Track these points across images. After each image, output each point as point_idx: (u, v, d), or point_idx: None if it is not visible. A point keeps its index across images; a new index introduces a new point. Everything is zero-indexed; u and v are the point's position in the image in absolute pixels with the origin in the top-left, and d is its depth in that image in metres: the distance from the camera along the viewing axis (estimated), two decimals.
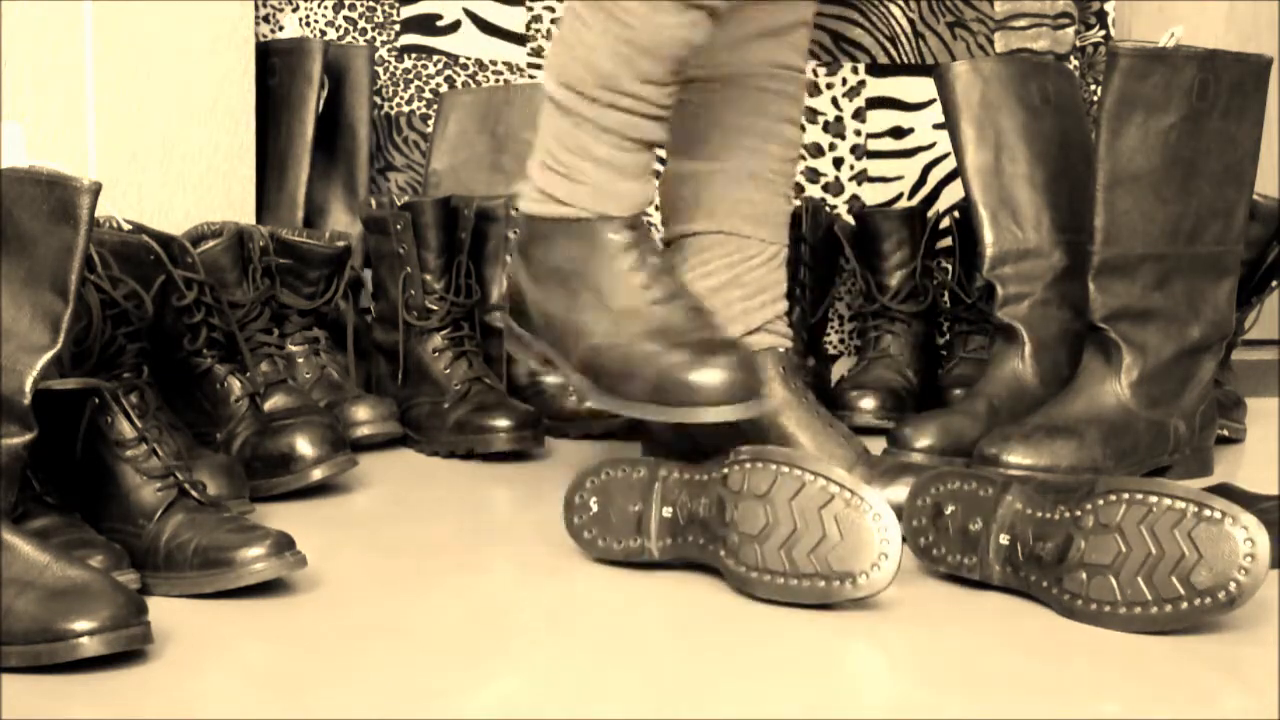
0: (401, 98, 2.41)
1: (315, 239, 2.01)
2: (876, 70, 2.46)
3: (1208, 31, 2.44)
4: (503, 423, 1.91)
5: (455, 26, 2.41)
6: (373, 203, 2.07)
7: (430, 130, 2.35)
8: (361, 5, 2.39)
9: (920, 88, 2.42)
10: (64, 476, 1.41)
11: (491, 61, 2.42)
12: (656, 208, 1.76)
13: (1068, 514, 1.34)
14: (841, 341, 2.47)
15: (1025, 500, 1.38)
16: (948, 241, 2.25)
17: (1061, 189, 1.90)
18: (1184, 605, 1.28)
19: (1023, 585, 1.37)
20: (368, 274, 2.17)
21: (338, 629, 1.32)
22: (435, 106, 2.36)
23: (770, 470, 1.38)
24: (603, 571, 1.47)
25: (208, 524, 1.39)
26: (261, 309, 1.89)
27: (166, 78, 1.99)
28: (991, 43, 2.46)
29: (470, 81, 2.41)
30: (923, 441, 1.76)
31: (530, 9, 2.42)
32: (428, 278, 2.02)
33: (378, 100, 2.38)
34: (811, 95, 2.45)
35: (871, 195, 2.47)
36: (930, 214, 2.26)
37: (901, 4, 2.45)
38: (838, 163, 2.47)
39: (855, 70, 2.46)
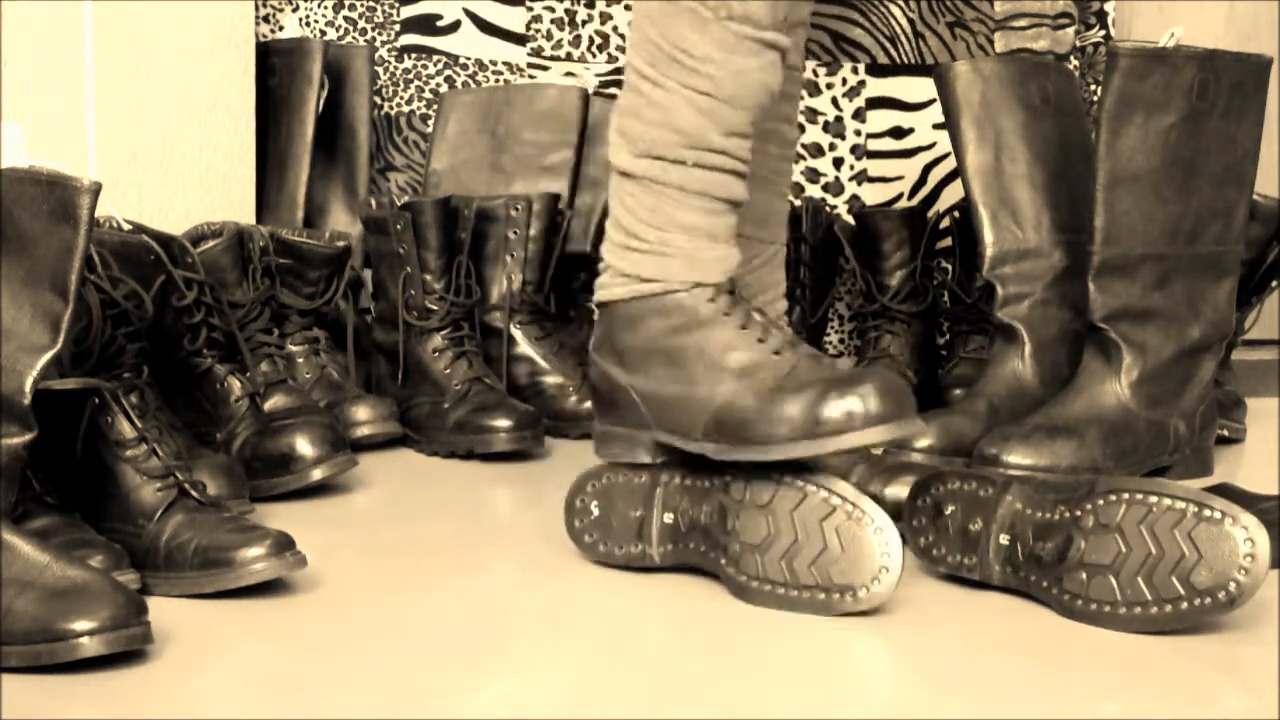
0: (401, 98, 2.41)
1: (315, 239, 2.01)
2: (876, 70, 2.46)
3: (1208, 31, 2.44)
4: (503, 423, 1.91)
5: (455, 26, 2.41)
6: (373, 203, 2.08)
7: (430, 130, 2.35)
8: (361, 5, 2.39)
9: (920, 88, 2.42)
10: (64, 476, 1.41)
11: (491, 61, 2.42)
12: None
13: (1068, 514, 1.34)
14: (841, 341, 2.47)
15: (1025, 500, 1.38)
16: (948, 241, 2.25)
17: (1061, 189, 1.90)
18: (1184, 605, 1.28)
19: (1023, 585, 1.37)
20: (368, 274, 2.17)
21: (338, 629, 1.32)
22: (435, 106, 2.36)
23: (772, 480, 1.37)
24: (603, 572, 1.47)
25: (208, 524, 1.39)
26: (261, 309, 1.89)
27: (166, 78, 1.99)
28: (991, 43, 2.46)
29: (470, 81, 2.41)
30: (923, 441, 1.76)
31: (530, 9, 2.42)
32: (428, 278, 2.02)
33: (378, 100, 2.38)
34: (811, 95, 2.45)
35: (871, 195, 2.47)
36: (930, 214, 2.26)
37: (901, 4, 2.45)
38: (838, 163, 2.47)
39: (855, 70, 2.46)
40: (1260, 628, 1.32)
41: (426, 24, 2.41)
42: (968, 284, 2.15)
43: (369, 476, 1.82)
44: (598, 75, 2.42)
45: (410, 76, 2.41)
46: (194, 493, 1.43)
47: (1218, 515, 1.27)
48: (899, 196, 2.47)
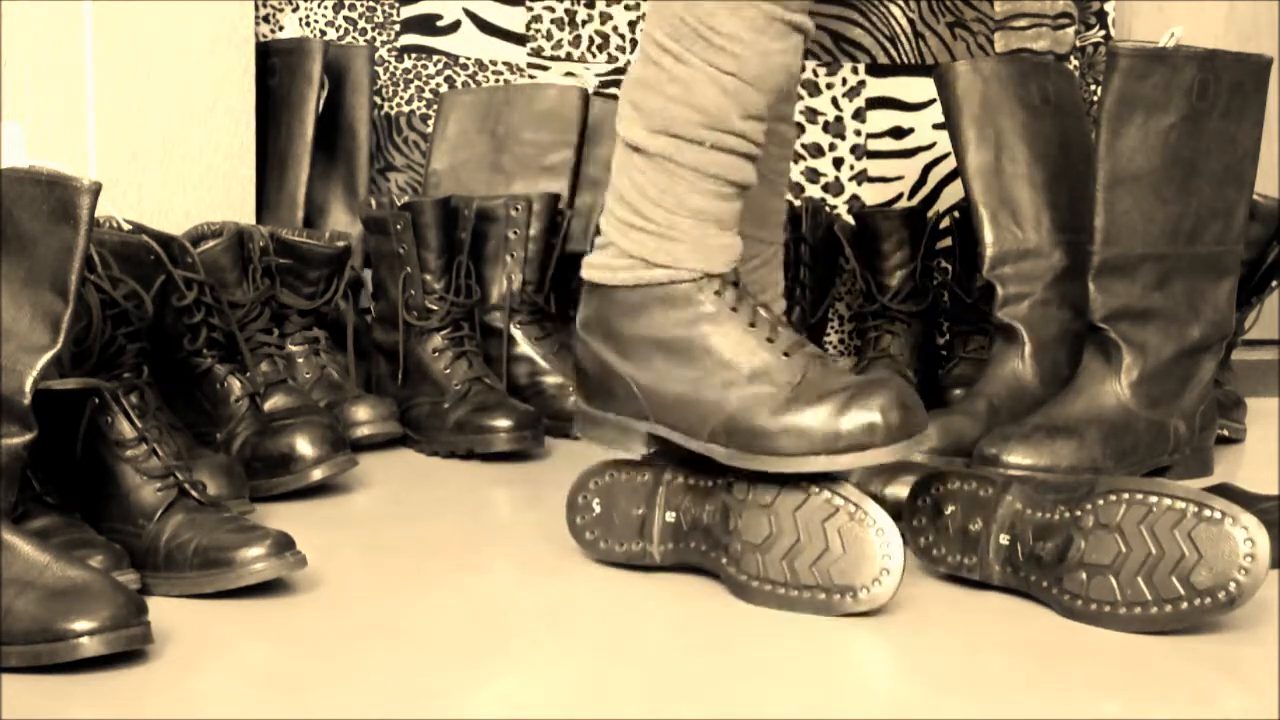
0: (401, 98, 2.41)
1: (315, 239, 2.01)
2: (876, 70, 2.46)
3: (1207, 31, 2.44)
4: (503, 423, 1.91)
5: (455, 26, 2.41)
6: (373, 203, 2.08)
7: (430, 130, 2.35)
8: (361, 5, 2.39)
9: (920, 88, 2.42)
10: (64, 476, 1.41)
11: (491, 61, 2.42)
12: None
13: (1068, 514, 1.34)
14: (841, 341, 2.47)
15: (1025, 500, 1.38)
16: (948, 241, 2.25)
17: (1061, 189, 1.90)
18: (1184, 605, 1.28)
19: (1023, 585, 1.37)
20: (368, 274, 2.17)
21: (338, 629, 1.32)
22: (435, 106, 2.36)
23: (776, 481, 1.37)
24: (603, 572, 1.47)
25: (208, 524, 1.39)
26: (261, 309, 1.89)
27: (166, 78, 1.99)
28: (991, 43, 2.46)
29: (470, 81, 2.41)
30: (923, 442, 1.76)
31: (530, 9, 2.42)
32: (428, 278, 2.02)
33: (378, 100, 2.38)
34: (811, 95, 2.45)
35: (871, 195, 2.47)
36: (930, 214, 2.26)
37: (901, 4, 2.45)
38: (838, 163, 2.47)
39: (855, 70, 2.46)
40: (1260, 628, 1.32)
41: (426, 24, 2.41)
42: (968, 284, 2.15)
43: (369, 476, 1.82)
44: (598, 75, 2.42)
45: (410, 76, 2.41)
46: (194, 493, 1.43)
47: (1218, 515, 1.27)
48: (899, 196, 2.47)
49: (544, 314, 2.13)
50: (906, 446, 1.34)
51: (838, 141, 2.46)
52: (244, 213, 2.12)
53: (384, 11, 2.40)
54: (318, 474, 1.71)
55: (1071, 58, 2.45)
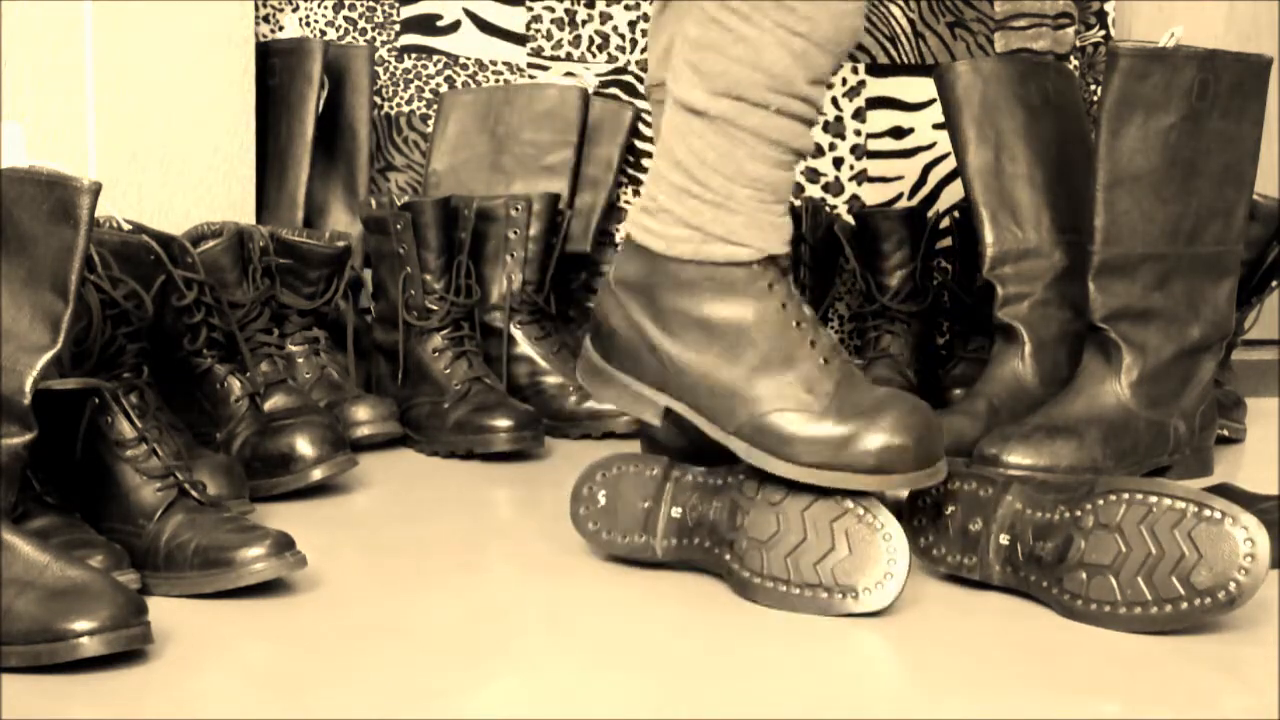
0: (401, 98, 2.41)
1: (315, 239, 2.01)
2: (876, 70, 2.46)
3: (1207, 31, 2.44)
4: (503, 423, 1.91)
5: (455, 26, 2.41)
6: (373, 203, 2.08)
7: (430, 130, 2.35)
8: (361, 5, 2.39)
9: (920, 88, 2.42)
10: (64, 476, 1.41)
11: (491, 61, 2.42)
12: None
13: (1068, 514, 1.34)
14: (842, 341, 2.47)
15: (1025, 500, 1.38)
16: (948, 241, 2.25)
17: (1061, 189, 1.90)
18: (1184, 605, 1.28)
19: (1023, 585, 1.37)
20: (368, 274, 2.17)
21: (338, 629, 1.32)
22: (435, 106, 2.36)
23: (787, 479, 1.37)
24: (603, 572, 1.47)
25: (208, 524, 1.39)
26: (261, 309, 1.89)
27: (166, 78, 1.99)
28: (991, 43, 2.46)
29: (470, 81, 2.41)
30: None
31: (530, 9, 2.42)
32: (428, 278, 2.02)
33: (378, 100, 2.38)
34: None
35: (871, 195, 2.47)
36: (930, 214, 2.26)
37: (901, 4, 2.45)
38: (838, 163, 2.47)
39: (855, 70, 2.46)
40: (1260, 628, 1.32)
41: (426, 24, 2.41)
42: (968, 284, 2.15)
43: (369, 476, 1.82)
44: (598, 75, 2.42)
45: (410, 76, 2.41)
46: (194, 493, 1.43)
47: (1218, 515, 1.27)
48: (899, 196, 2.47)
49: (544, 314, 2.13)
50: (928, 475, 1.36)
51: (838, 141, 2.46)
52: (244, 213, 2.12)
53: (384, 11, 2.40)
54: (318, 474, 1.71)
55: (1071, 58, 2.45)
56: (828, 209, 2.38)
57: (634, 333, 1.41)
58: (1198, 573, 1.27)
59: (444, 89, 2.40)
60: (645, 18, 2.39)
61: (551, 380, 2.07)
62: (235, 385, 1.74)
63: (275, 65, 2.24)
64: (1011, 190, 1.89)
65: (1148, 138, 1.72)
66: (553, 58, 2.42)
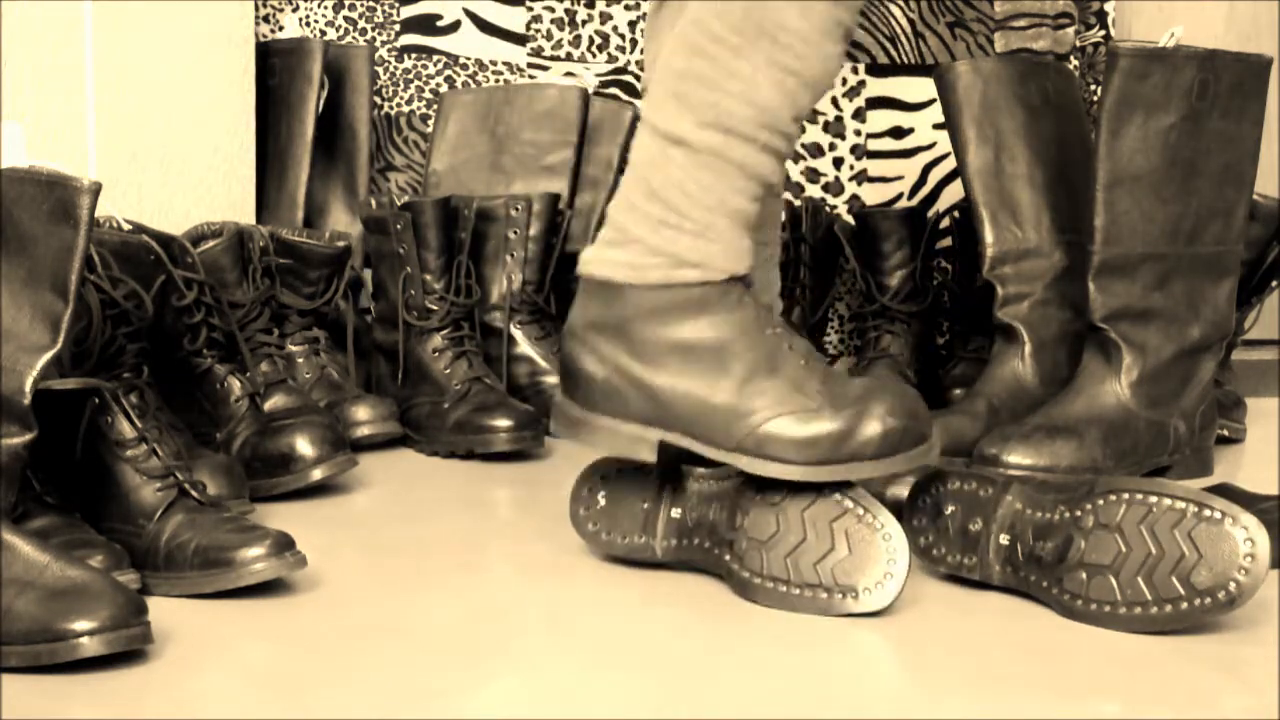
0: (401, 98, 2.41)
1: (315, 239, 2.01)
2: (876, 70, 2.46)
3: (1208, 31, 2.45)
4: (503, 423, 1.91)
5: (455, 26, 2.41)
6: (373, 203, 2.08)
7: (430, 130, 2.35)
8: (361, 5, 2.39)
9: (920, 88, 2.42)
10: (64, 476, 1.41)
11: (491, 61, 2.42)
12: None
13: (1068, 514, 1.34)
14: (841, 341, 2.47)
15: (1025, 500, 1.38)
16: (948, 241, 2.25)
17: (1061, 189, 1.90)
18: (1184, 605, 1.28)
19: (1023, 585, 1.37)
20: (368, 274, 2.17)
21: (338, 629, 1.32)
22: (435, 106, 2.36)
23: (788, 480, 1.37)
24: (603, 572, 1.47)
25: (208, 524, 1.39)
26: (261, 309, 1.89)
27: (166, 78, 1.99)
28: (991, 43, 2.46)
29: (470, 81, 2.41)
30: None
31: (530, 9, 2.42)
32: (428, 278, 2.02)
33: (378, 100, 2.38)
34: None
35: (871, 195, 2.47)
36: (930, 214, 2.26)
37: (901, 4, 2.45)
38: (838, 163, 2.47)
39: (855, 70, 2.46)
40: (1260, 628, 1.32)
41: (426, 24, 2.41)
42: (968, 284, 2.15)
43: (369, 476, 1.82)
44: (598, 75, 2.42)
45: (410, 76, 2.41)
46: (194, 493, 1.43)
47: (1218, 515, 1.27)
48: (899, 196, 2.47)
49: (544, 314, 2.13)
50: (922, 453, 1.37)
51: (838, 141, 2.46)
52: (244, 213, 2.12)
53: (384, 11, 2.40)
54: (318, 474, 1.71)
55: (1071, 58, 2.45)
56: (828, 209, 2.38)
57: (614, 373, 1.39)
58: (1198, 573, 1.27)
59: (444, 89, 2.40)
60: (645, 18, 2.39)
61: (551, 380, 2.07)
62: (235, 385, 1.74)
63: (275, 65, 2.24)
64: (1011, 190, 1.89)
65: (1148, 138, 1.72)
66: (553, 58, 2.42)
